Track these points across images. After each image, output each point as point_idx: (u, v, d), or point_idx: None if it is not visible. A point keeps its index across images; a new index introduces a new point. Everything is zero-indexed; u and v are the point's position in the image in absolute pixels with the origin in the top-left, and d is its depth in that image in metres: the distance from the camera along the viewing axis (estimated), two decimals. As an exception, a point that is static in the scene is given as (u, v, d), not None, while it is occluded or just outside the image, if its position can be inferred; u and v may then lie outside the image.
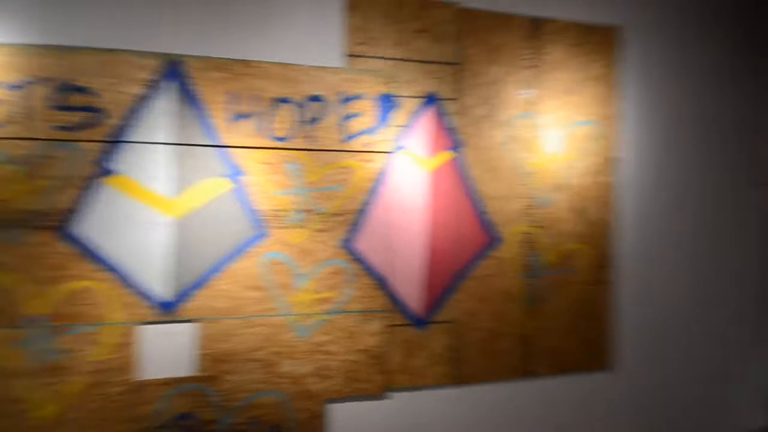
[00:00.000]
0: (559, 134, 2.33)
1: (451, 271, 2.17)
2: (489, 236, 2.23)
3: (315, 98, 2.00)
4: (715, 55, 2.73)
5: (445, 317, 2.16)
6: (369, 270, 2.02)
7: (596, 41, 2.39)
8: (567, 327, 2.35)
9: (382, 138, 2.05)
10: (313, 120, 1.99)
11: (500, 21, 2.27)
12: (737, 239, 2.81)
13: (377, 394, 2.04)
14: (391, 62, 2.10)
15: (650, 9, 2.59)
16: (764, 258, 2.94)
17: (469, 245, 2.20)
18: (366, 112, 2.03)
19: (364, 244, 2.03)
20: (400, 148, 2.10)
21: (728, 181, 2.77)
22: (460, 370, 2.16)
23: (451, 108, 2.19)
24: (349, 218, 2.00)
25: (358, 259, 2.01)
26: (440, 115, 2.18)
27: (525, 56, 2.33)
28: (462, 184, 2.19)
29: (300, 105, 1.97)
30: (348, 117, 2.01)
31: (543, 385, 2.35)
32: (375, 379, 2.01)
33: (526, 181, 2.29)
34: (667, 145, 2.62)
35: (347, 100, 2.02)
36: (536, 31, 2.32)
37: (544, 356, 2.32)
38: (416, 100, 2.13)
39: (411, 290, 2.11)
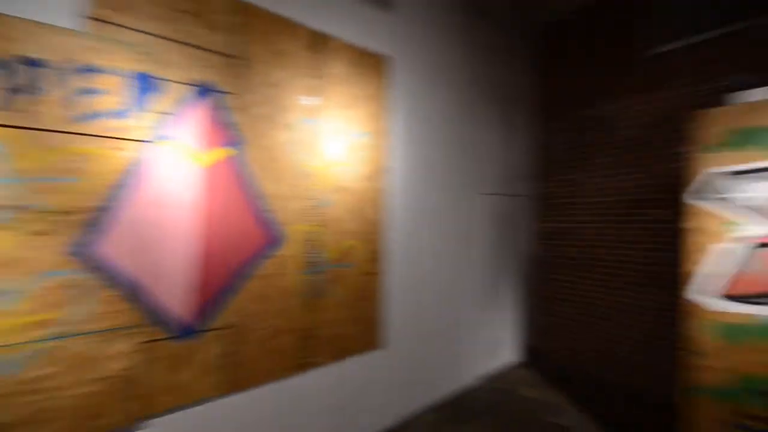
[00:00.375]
0: (339, 142, 2.58)
1: (229, 272, 2.06)
2: (271, 235, 2.23)
3: (34, 62, 1.54)
4: (461, 88, 3.61)
5: (222, 322, 2.03)
6: (116, 279, 1.69)
7: (369, 64, 2.76)
8: (345, 316, 2.61)
9: (137, 124, 1.76)
10: (31, 90, 1.53)
11: (285, 26, 2.32)
12: (475, 236, 3.77)
13: (127, 426, 1.72)
14: (151, 38, 1.83)
15: (414, 43, 3.19)
16: (493, 252, 4.06)
17: (249, 244, 2.14)
18: (113, 90, 1.70)
19: (109, 248, 1.68)
20: (162, 137, 1.85)
21: (463, 187, 3.69)
22: (236, 376, 2.07)
23: (230, 103, 2.10)
24: (85, 217, 1.62)
25: (99, 267, 1.65)
26: (217, 109, 2.04)
27: (310, 66, 2.46)
28: (241, 182, 2.12)
29: (7, 67, 1.48)
30: (84, 92, 1.64)
31: (324, 372, 2.53)
32: (123, 410, 1.69)
33: (308, 183, 2.42)
34: (425, 158, 3.29)
35: (84, 71, 1.64)
36: (319, 45, 2.49)
37: (324, 346, 2.49)
38: (185, 87, 1.93)
39: (177, 297, 1.88)
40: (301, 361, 2.37)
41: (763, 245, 1.91)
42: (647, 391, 3.40)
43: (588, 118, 3.91)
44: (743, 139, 1.97)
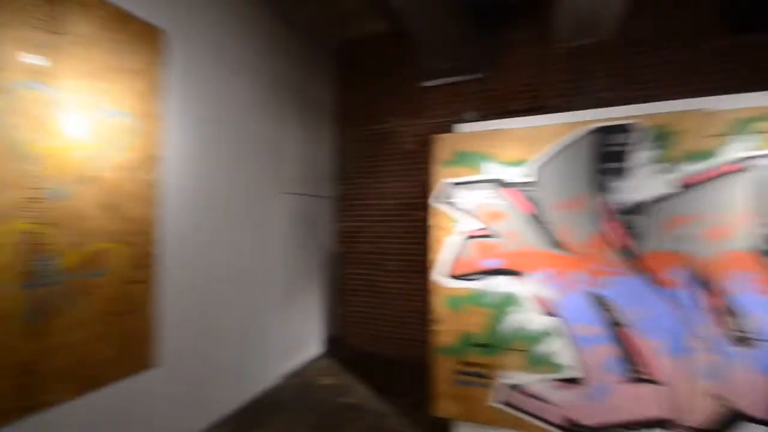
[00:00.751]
0: (84, 119, 2.07)
1: None
2: (-49, 238, 1.58)
3: None
4: (262, 89, 3.51)
5: None
6: None
7: (135, 33, 2.34)
8: (96, 335, 2.11)
9: None
10: None
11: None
12: (268, 235, 3.73)
13: None
14: None
15: (209, 32, 2.91)
16: (296, 250, 4.11)
17: None
18: None
19: None
20: None
21: (262, 186, 3.62)
22: None
23: None
24: None
25: None
26: None
27: (42, 15, 1.89)
28: None
29: None
30: None
31: (66, 410, 1.98)
32: None
33: (32, 168, 1.84)
34: (215, 151, 3.04)
35: None
36: (55, -9, 1.94)
37: (59, 379, 1.95)
38: None
39: None
40: (19, 405, 1.78)
41: (471, 237, 2.64)
42: (418, 358, 4.18)
43: (377, 131, 4.51)
44: (459, 158, 2.67)
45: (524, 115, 2.71)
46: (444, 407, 2.74)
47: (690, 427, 2.20)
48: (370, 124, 4.56)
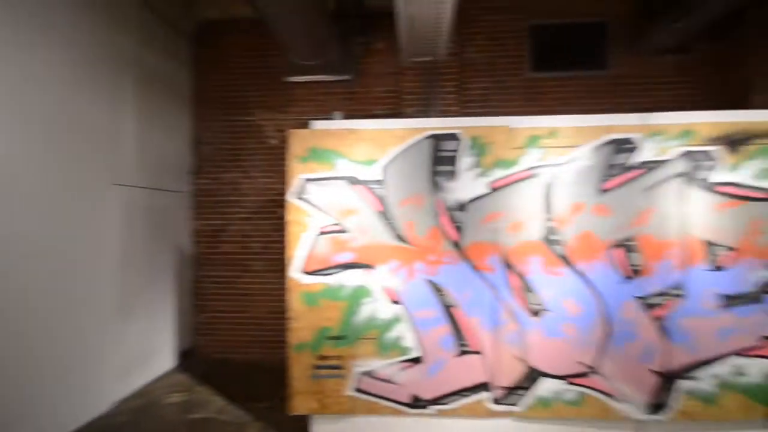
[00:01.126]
0: None
1: None
2: None
3: None
4: (76, 63, 2.91)
5: None
6: None
7: None
8: None
9: None
10: None
11: None
12: (100, 235, 3.14)
13: None
14: None
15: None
16: (142, 252, 3.53)
17: None
18: None
19: None
20: None
21: (90, 178, 3.03)
22: None
23: None
24: None
25: None
26: None
27: None
28: None
29: None
30: None
31: None
32: None
33: None
34: (27, 142, 2.42)
35: None
36: None
37: None
38: None
39: None
40: None
41: (323, 233, 2.70)
42: (281, 360, 4.07)
43: (240, 122, 4.24)
44: (313, 155, 2.71)
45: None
46: (301, 404, 2.73)
47: (503, 387, 2.68)
48: (233, 114, 4.26)
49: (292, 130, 2.73)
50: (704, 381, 2.60)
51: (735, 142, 2.59)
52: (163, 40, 3.88)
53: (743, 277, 2.57)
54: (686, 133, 2.61)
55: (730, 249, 2.58)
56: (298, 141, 2.72)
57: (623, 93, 3.98)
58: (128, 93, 3.45)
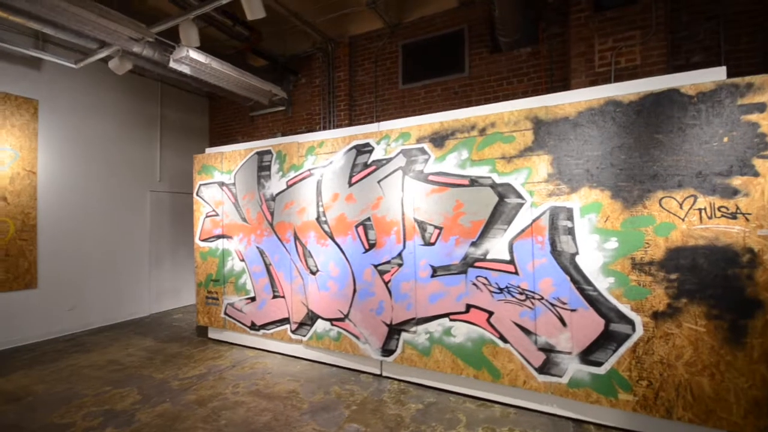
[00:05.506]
0: (-15, 155, 4.14)
1: None
2: None
3: None
4: (121, 122, 5.50)
5: None
6: None
7: (17, 104, 4.38)
8: (-6, 264, 4.17)
9: None
10: None
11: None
12: (140, 219, 5.71)
13: None
14: None
15: (63, 90, 4.93)
16: (156, 229, 6.06)
17: None
18: None
19: None
20: None
21: (135, 188, 5.61)
22: None
23: None
24: None
25: None
26: None
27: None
28: None
29: None
30: None
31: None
32: None
33: (-45, 180, 3.91)
34: (81, 173, 5.06)
35: None
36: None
37: (-30, 282, 4.02)
38: None
39: None
40: (-55, 290, 3.85)
41: (208, 216, 4.42)
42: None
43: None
44: (203, 169, 4.47)
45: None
46: (201, 319, 4.55)
47: (296, 322, 3.85)
48: (226, 140, 6.45)
49: (195, 155, 4.58)
50: (420, 335, 3.17)
51: (439, 137, 3.08)
52: (183, 100, 6.33)
53: (449, 252, 3.04)
54: (404, 134, 3.24)
55: (439, 228, 3.08)
56: (197, 161, 4.55)
57: (481, 90, 4.26)
58: (155, 137, 5.98)
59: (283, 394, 3.15)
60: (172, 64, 4.19)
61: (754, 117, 2.15)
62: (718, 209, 2.22)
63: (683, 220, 2.31)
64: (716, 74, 2.29)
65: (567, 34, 3.64)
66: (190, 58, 4.14)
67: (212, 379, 3.47)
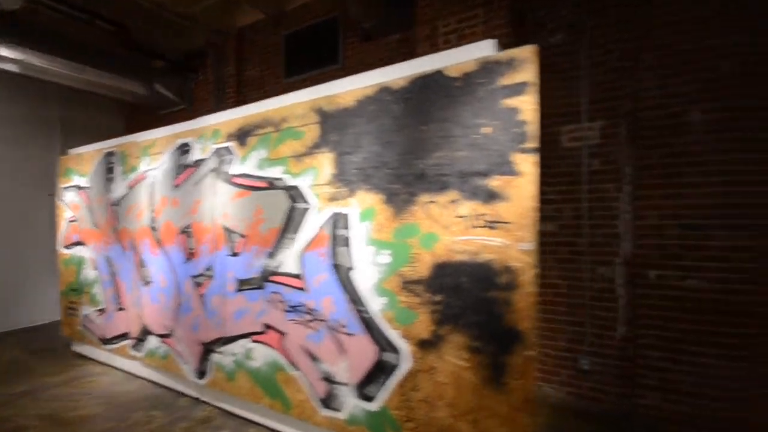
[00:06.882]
0: None
1: None
2: None
3: None
4: (6, 130, 5.33)
5: None
6: None
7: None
8: None
9: None
10: None
11: None
12: (39, 217, 5.53)
13: None
14: None
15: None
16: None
17: None
18: None
19: None
20: None
21: (32, 192, 5.43)
22: None
23: None
24: None
25: None
26: None
27: None
28: None
29: None
30: None
31: None
32: None
33: None
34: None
35: None
36: None
37: None
38: None
39: None
40: None
41: (70, 221, 4.17)
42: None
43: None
44: (66, 172, 4.22)
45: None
46: (65, 330, 4.30)
47: (134, 337, 3.55)
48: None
49: (61, 156, 4.35)
50: (226, 357, 2.82)
51: (242, 135, 2.72)
52: (93, 102, 6.13)
53: (250, 263, 2.68)
54: (216, 132, 2.90)
55: (243, 236, 2.73)
56: (62, 163, 4.31)
57: (353, 84, 3.88)
58: (56, 138, 5.79)
59: (76, 420, 2.83)
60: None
61: (514, 101, 1.73)
62: (479, 217, 1.80)
63: (447, 229, 1.89)
64: (484, 49, 1.87)
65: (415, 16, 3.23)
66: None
67: (28, 398, 3.19)
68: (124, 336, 3.67)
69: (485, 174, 1.79)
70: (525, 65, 1.71)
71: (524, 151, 1.70)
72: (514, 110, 1.73)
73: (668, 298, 2.52)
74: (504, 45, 2.77)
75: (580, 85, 2.84)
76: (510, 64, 1.74)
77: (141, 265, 3.47)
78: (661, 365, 2.55)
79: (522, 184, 1.70)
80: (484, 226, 1.79)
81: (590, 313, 2.83)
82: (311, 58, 4.30)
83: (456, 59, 1.91)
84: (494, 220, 1.76)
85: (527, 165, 1.69)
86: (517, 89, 1.72)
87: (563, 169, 2.93)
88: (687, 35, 2.52)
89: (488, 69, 1.80)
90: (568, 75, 2.89)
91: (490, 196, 1.77)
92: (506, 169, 1.74)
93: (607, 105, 2.75)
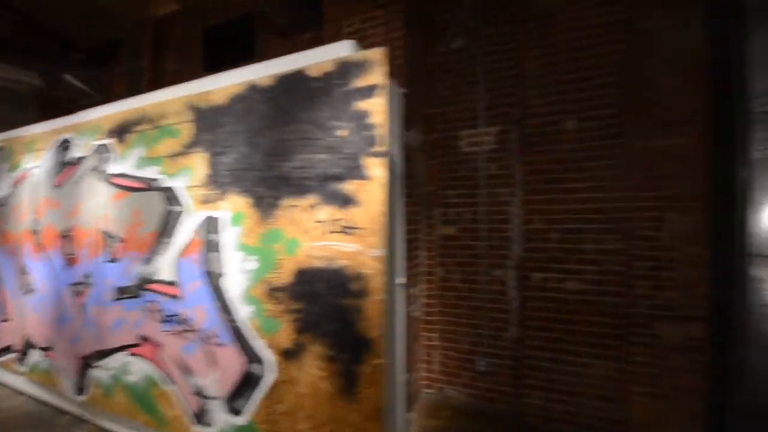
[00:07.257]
0: None
1: None
2: None
3: None
4: None
5: None
6: None
7: None
8: None
9: None
10: None
11: None
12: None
13: None
14: None
15: None
16: None
17: None
18: None
19: None
20: None
21: None
22: None
23: None
24: None
25: None
26: None
27: None
28: None
29: None
30: None
31: None
32: None
33: None
34: None
35: None
36: None
37: None
38: None
39: None
40: None
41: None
42: None
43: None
44: None
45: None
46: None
47: (18, 350, 3.23)
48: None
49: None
50: (104, 371, 2.61)
51: (121, 131, 2.54)
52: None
53: (128, 270, 2.50)
54: (96, 127, 2.69)
55: (121, 240, 2.54)
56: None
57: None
58: None
59: (-72, 447, 2.54)
60: None
61: (366, 104, 1.69)
62: (335, 222, 1.75)
63: (307, 234, 1.82)
64: (342, 50, 1.83)
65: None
66: None
67: None
68: (7, 349, 3.35)
69: (341, 178, 1.74)
70: (375, 67, 1.67)
71: (375, 154, 1.66)
72: (365, 113, 1.69)
73: (551, 299, 2.59)
74: (397, 48, 2.78)
75: (477, 91, 2.87)
76: (362, 66, 1.70)
77: (23, 271, 3.17)
78: (545, 365, 2.62)
79: (372, 189, 1.66)
80: (340, 232, 1.73)
81: (487, 315, 2.87)
82: (229, 53, 4.12)
83: (317, 59, 1.85)
84: (349, 225, 1.71)
85: (377, 169, 1.66)
86: (368, 92, 1.68)
87: (464, 173, 2.96)
88: (562, 45, 2.61)
89: (344, 70, 1.75)
90: (467, 80, 2.92)
91: (345, 201, 1.72)
92: (358, 173, 1.69)
93: (500, 111, 2.80)
